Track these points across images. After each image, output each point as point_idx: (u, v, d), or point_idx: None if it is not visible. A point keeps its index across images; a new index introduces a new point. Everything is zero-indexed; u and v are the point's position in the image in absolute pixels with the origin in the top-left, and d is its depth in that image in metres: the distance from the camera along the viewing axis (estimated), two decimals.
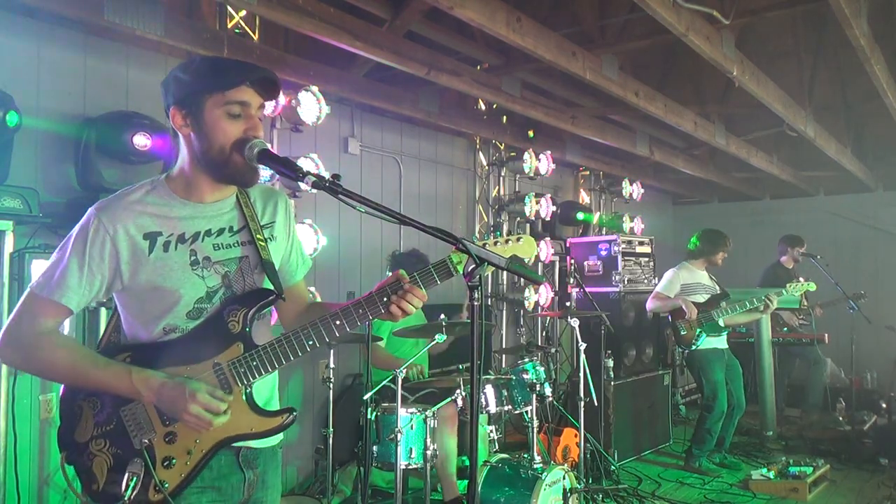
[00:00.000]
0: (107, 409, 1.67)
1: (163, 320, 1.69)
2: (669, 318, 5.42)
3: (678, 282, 5.41)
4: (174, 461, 1.65)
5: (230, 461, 1.75)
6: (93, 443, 1.67)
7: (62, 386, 1.73)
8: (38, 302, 1.66)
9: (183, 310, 1.69)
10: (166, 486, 1.63)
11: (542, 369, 4.18)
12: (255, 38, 4.41)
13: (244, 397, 1.71)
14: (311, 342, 1.73)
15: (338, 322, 1.74)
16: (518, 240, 1.88)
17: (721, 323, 5.30)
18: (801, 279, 5.47)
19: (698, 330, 5.28)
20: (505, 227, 6.59)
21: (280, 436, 1.86)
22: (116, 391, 1.65)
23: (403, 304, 1.74)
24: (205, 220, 1.74)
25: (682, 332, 5.31)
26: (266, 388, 1.84)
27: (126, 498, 1.61)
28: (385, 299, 1.75)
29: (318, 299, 3.18)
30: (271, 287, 1.79)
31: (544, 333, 7.21)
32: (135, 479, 1.62)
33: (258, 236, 1.79)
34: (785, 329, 6.80)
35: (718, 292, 5.46)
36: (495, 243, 1.86)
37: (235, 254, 1.76)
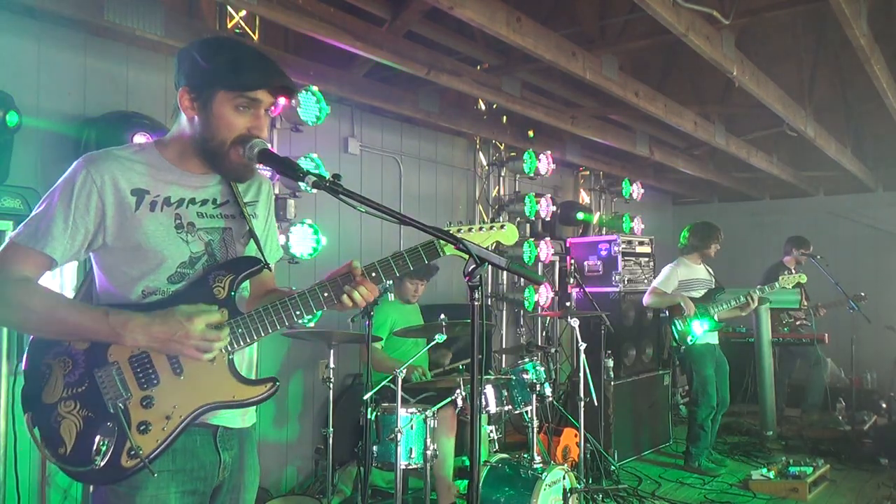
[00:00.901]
0: (79, 370, 1.60)
1: (143, 282, 1.65)
2: (667, 313, 5.44)
3: (675, 278, 5.46)
4: (150, 426, 1.59)
5: (206, 441, 1.71)
6: (61, 404, 1.58)
7: (29, 342, 1.65)
8: (20, 251, 1.60)
9: (165, 273, 1.66)
10: (141, 451, 1.57)
11: (542, 369, 4.18)
12: (255, 37, 4.41)
13: (226, 364, 1.68)
14: (297, 312, 1.72)
15: (326, 294, 1.73)
16: (502, 227, 1.89)
17: (715, 318, 5.36)
18: (792, 270, 5.52)
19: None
20: None
21: (254, 416, 1.85)
22: (94, 336, 1.58)
23: (357, 292, 1.74)
24: (190, 189, 1.72)
25: (680, 329, 5.34)
26: (246, 359, 1.80)
27: (96, 463, 1.55)
28: (373, 274, 1.76)
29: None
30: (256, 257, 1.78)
31: (544, 333, 7.21)
32: (106, 443, 1.55)
33: (246, 210, 1.78)
34: (786, 329, 6.80)
35: (714, 287, 5.51)
36: (480, 229, 1.87)
37: (218, 224, 1.75)
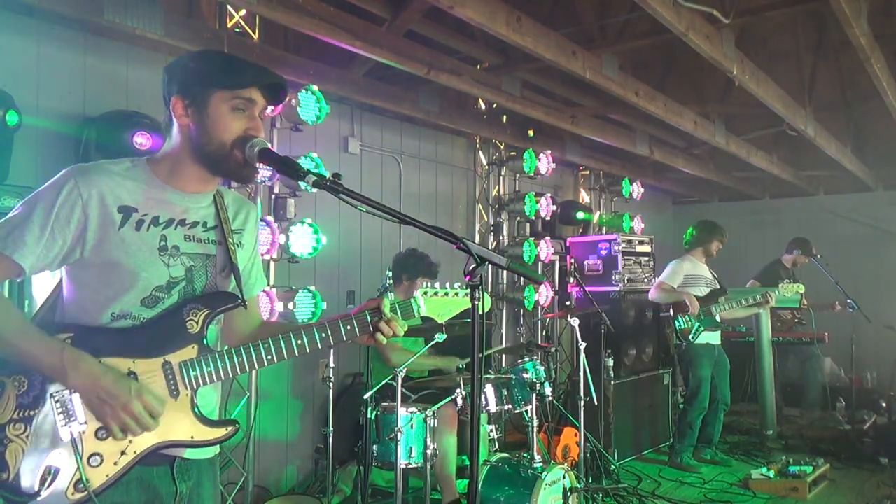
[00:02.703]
0: (34, 391, 1.52)
1: (115, 303, 1.60)
2: (671, 311, 5.44)
3: (681, 272, 5.48)
4: (103, 460, 1.53)
5: (163, 472, 1.66)
6: (10, 426, 1.49)
7: None
8: None
9: (139, 295, 1.61)
10: (89, 485, 1.50)
11: (542, 368, 4.18)
12: (255, 37, 4.40)
13: (189, 403, 1.64)
14: (269, 357, 1.71)
15: (299, 342, 1.73)
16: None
17: (718, 318, 5.37)
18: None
19: (696, 324, 5.32)
20: (505, 227, 6.59)
21: (216, 447, 1.79)
22: (40, 367, 1.50)
23: (385, 329, 1.78)
24: (181, 208, 1.69)
25: (682, 326, 5.35)
26: (211, 398, 1.76)
27: (40, 494, 1.47)
28: (349, 327, 1.77)
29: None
30: (234, 293, 1.75)
31: (544, 333, 7.20)
32: (53, 472, 1.49)
33: (230, 240, 1.76)
34: (778, 326, 6.79)
35: (718, 287, 5.51)
36: (452, 294, 1.94)
37: (204, 250, 1.72)
